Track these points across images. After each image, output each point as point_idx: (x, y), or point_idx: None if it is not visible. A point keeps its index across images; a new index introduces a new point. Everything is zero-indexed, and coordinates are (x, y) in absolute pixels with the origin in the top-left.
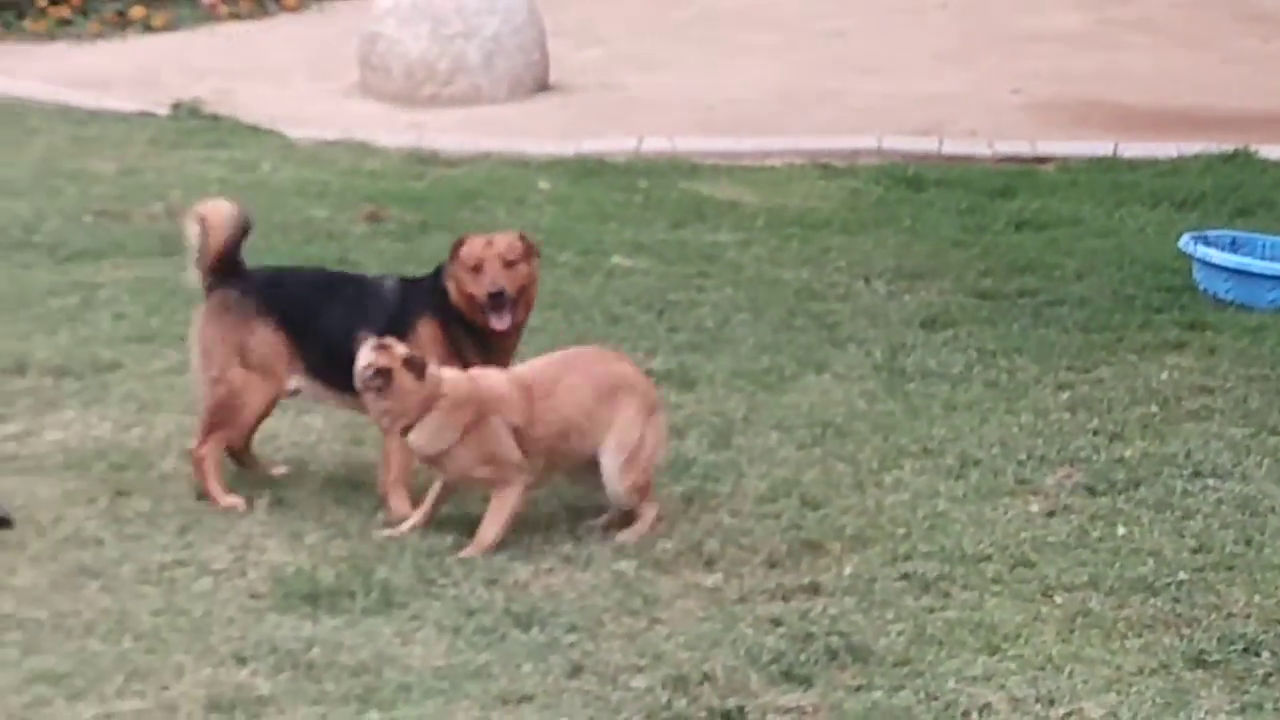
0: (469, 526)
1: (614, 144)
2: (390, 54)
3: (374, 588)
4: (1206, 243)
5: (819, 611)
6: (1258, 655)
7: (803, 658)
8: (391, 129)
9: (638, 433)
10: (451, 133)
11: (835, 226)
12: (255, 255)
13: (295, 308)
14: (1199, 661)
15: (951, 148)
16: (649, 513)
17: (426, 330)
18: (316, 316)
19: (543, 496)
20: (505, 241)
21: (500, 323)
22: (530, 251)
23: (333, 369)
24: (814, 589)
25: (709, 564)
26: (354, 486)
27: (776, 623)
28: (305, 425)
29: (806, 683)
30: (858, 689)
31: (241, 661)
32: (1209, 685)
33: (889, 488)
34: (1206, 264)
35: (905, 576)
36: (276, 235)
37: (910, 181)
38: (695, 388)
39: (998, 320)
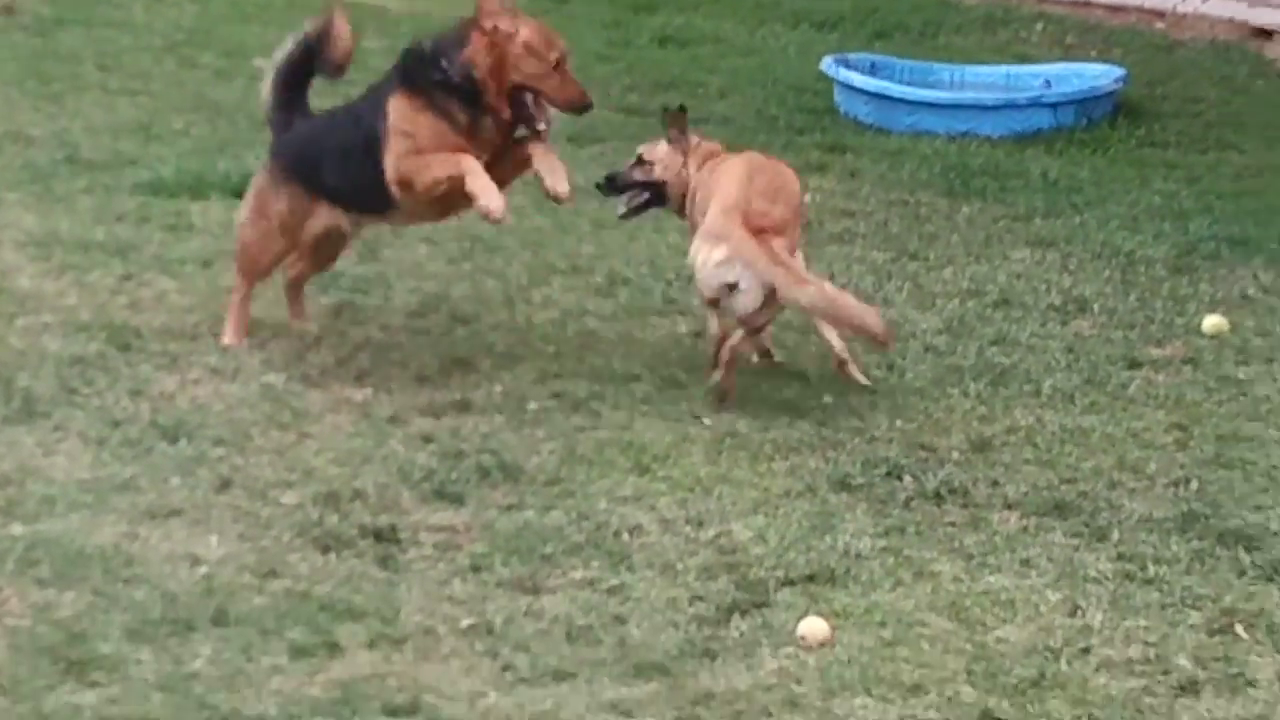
0: (113, 333)
1: None
2: None
3: (15, 396)
4: (847, 66)
5: (470, 429)
6: (900, 479)
7: (454, 476)
8: None
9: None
10: None
11: None
12: None
13: (307, 152)
14: (843, 485)
15: None
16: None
17: (397, 105)
18: (321, 155)
19: (185, 306)
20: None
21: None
22: None
23: (347, 194)
24: (464, 406)
25: (359, 379)
26: None
27: (427, 440)
28: None
29: (458, 501)
30: (509, 508)
31: None
32: (853, 508)
33: (538, 305)
34: (848, 87)
35: (556, 395)
36: None
37: None
38: None
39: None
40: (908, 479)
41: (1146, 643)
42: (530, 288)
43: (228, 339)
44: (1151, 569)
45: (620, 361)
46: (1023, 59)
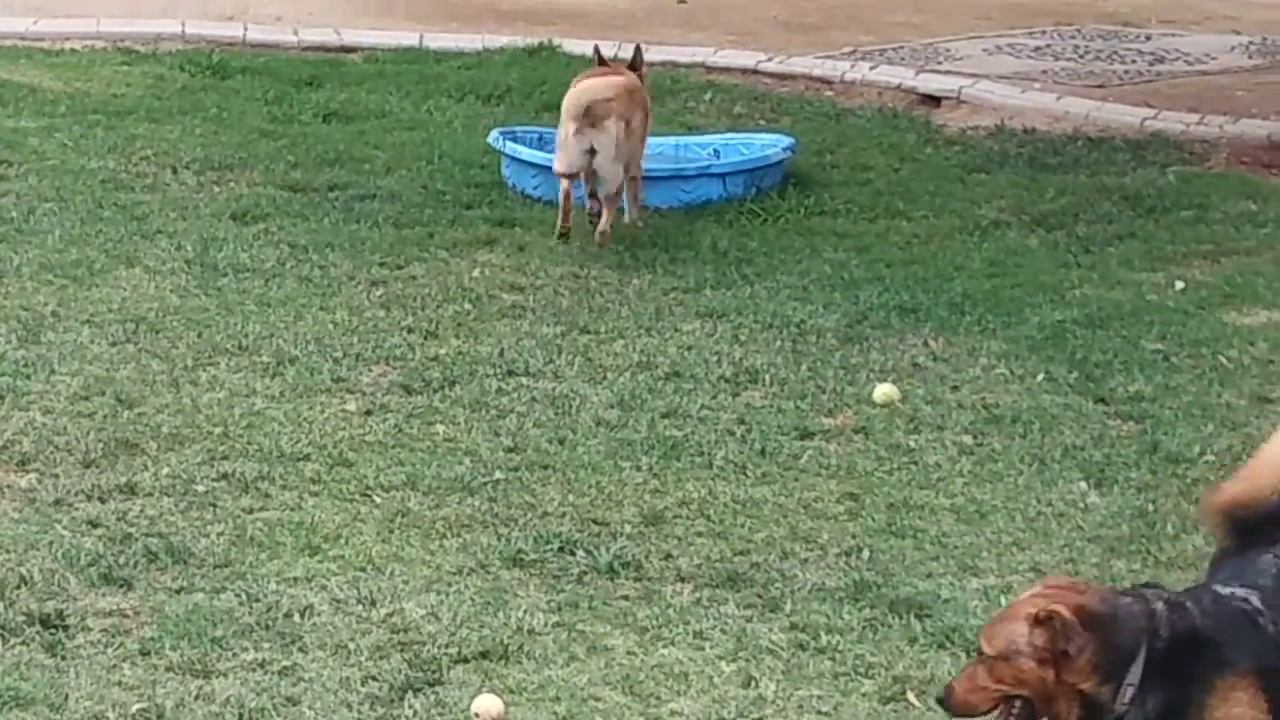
0: None
1: None
2: None
3: None
4: (514, 139)
5: (137, 512)
6: (573, 554)
7: (122, 560)
8: None
9: None
10: None
11: (140, 114)
12: None
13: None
14: (516, 561)
15: (257, 34)
16: None
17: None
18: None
19: None
20: None
21: None
22: None
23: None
24: (131, 489)
25: (22, 464)
26: None
27: (94, 524)
28: None
29: (127, 585)
30: (179, 591)
31: None
32: (526, 584)
33: (205, 385)
34: (515, 160)
35: (224, 476)
36: None
37: (215, 69)
38: (2, 281)
39: (309, 214)
40: (580, 554)
41: (820, 712)
42: (196, 368)
43: None
44: (824, 638)
45: (289, 441)
46: (691, 129)
